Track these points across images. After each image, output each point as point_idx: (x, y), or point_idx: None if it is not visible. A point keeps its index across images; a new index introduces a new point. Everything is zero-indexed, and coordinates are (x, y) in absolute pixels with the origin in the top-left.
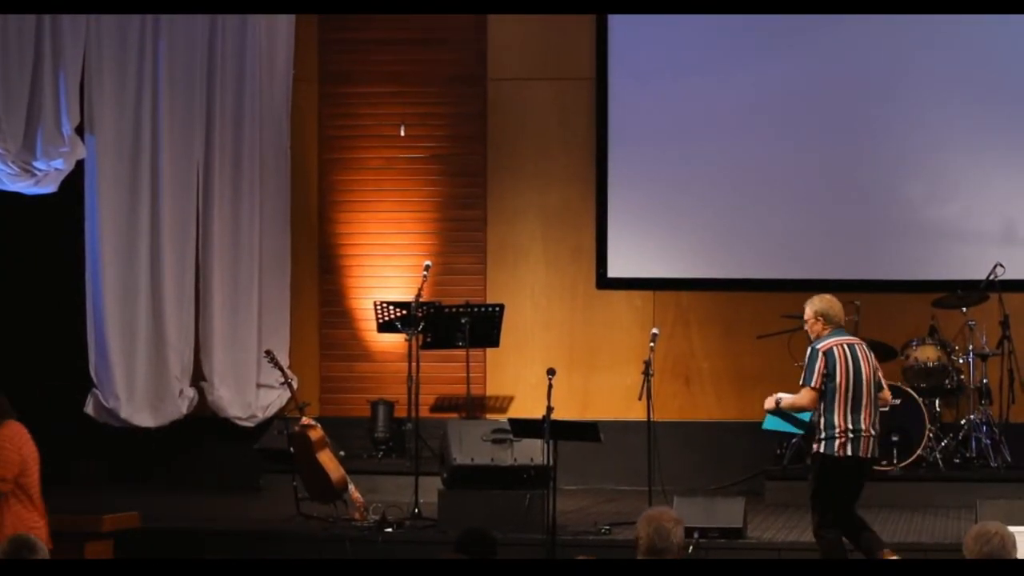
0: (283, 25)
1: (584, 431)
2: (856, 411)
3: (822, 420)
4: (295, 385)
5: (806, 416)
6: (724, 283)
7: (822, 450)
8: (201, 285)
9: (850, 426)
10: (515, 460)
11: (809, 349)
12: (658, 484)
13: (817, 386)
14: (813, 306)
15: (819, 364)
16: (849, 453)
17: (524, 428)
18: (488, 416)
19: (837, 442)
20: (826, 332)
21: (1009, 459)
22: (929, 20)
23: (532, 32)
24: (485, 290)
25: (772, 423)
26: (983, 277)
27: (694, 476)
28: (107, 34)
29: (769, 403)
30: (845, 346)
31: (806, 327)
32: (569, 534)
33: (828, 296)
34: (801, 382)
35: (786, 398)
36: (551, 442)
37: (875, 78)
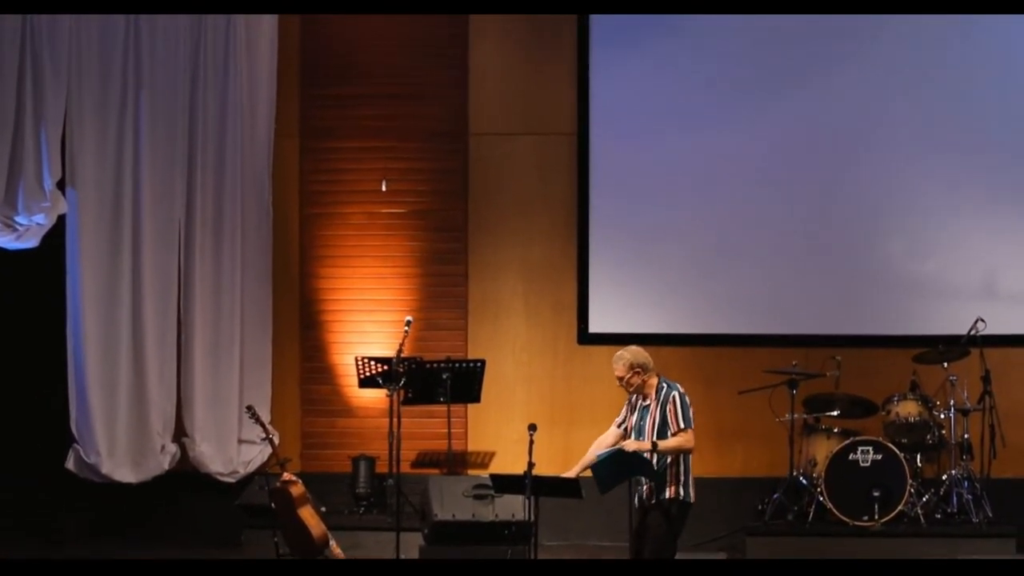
0: (264, 78)
1: (566, 487)
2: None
3: (681, 465)
4: (276, 441)
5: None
6: (705, 338)
7: (682, 496)
8: (183, 340)
9: (691, 471)
10: (496, 516)
11: (675, 394)
12: None
13: (694, 427)
14: (625, 360)
15: (690, 407)
16: (693, 498)
17: (506, 484)
18: (469, 472)
19: (692, 487)
20: (651, 380)
21: (991, 514)
22: (907, 72)
23: (513, 87)
24: (466, 345)
25: (605, 467)
26: (964, 332)
27: None
28: (88, 88)
29: (642, 445)
30: None
31: (622, 384)
32: None
33: (633, 347)
34: (681, 425)
35: (666, 442)
36: (532, 498)
37: (855, 133)
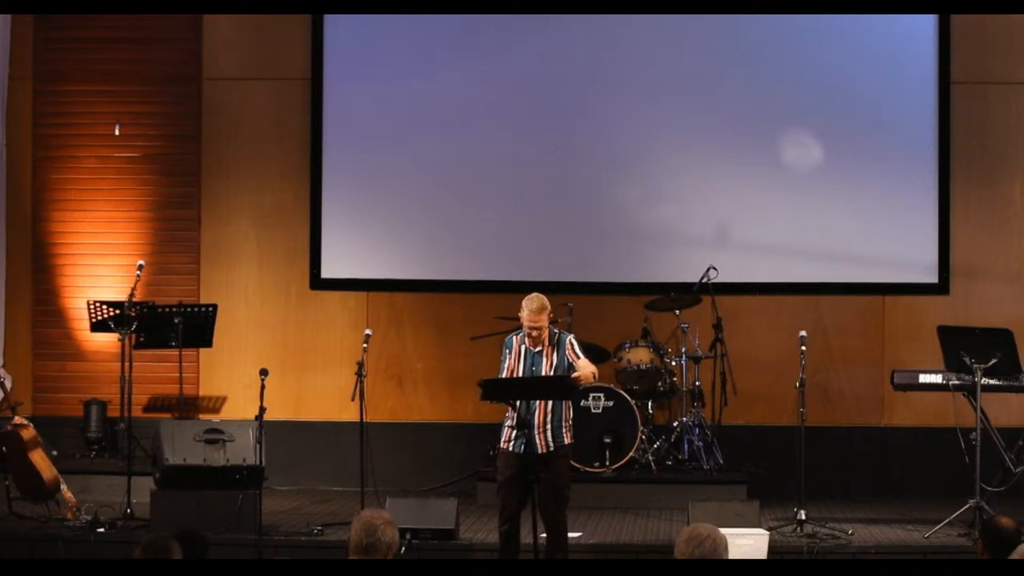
0: None
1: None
2: None
3: (571, 411)
4: (8, 384)
5: None
6: (438, 284)
7: (570, 440)
8: None
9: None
10: (227, 460)
11: (571, 337)
12: (371, 485)
13: None
14: (548, 310)
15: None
16: None
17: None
18: (201, 416)
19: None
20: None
21: (721, 461)
22: (646, 21)
23: (247, 32)
24: (199, 290)
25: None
26: (696, 280)
27: (407, 477)
28: None
29: (587, 375)
30: None
31: (534, 332)
32: (282, 534)
33: (538, 295)
34: (582, 357)
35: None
36: (262, 443)
37: (590, 79)
